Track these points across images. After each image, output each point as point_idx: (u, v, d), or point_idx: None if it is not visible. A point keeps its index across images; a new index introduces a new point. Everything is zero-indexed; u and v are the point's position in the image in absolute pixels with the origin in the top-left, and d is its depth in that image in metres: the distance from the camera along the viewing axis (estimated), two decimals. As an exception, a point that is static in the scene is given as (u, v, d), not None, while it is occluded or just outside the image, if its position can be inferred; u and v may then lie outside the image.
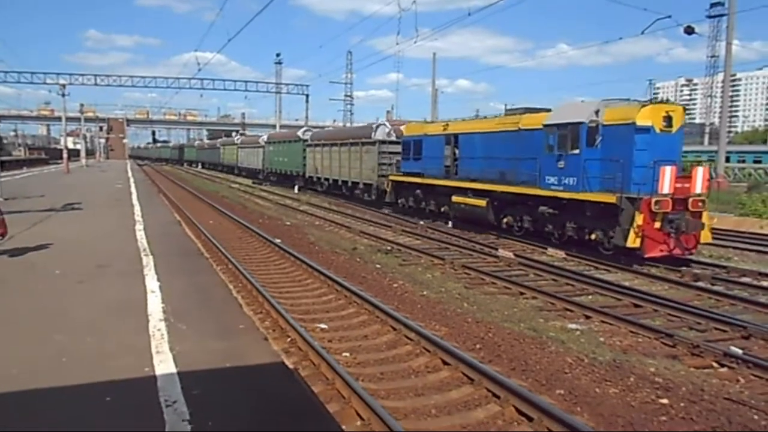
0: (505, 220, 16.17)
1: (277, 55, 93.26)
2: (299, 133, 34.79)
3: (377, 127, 25.79)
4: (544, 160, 14.09)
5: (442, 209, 19.22)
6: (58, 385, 4.29)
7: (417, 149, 20.53)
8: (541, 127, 14.32)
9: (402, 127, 23.80)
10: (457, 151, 18.54)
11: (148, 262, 9.10)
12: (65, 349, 5.08)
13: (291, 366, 5.70)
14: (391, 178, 22.40)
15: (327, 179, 29.75)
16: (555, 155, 13.79)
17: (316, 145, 31.14)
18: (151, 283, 7.68)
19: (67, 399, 4.12)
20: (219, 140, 64.81)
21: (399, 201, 22.00)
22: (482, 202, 16.56)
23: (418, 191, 20.65)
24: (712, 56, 70.26)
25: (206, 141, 78.03)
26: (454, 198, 17.87)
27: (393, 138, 24.61)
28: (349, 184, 26.98)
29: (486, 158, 16.72)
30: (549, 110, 14.97)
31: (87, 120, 75.36)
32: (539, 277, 11.16)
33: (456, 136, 18.65)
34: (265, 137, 43.25)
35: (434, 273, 11.39)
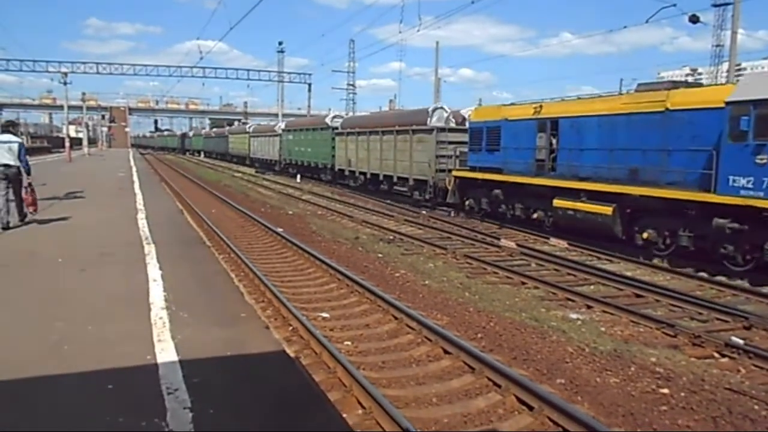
0: (644, 234, 12.03)
1: (280, 43, 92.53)
2: (327, 119, 30.73)
3: (434, 111, 21.07)
4: (727, 152, 10.21)
5: (535, 215, 15.29)
6: (59, 373, 4.30)
7: (493, 138, 16.59)
8: (716, 106, 10.46)
9: (467, 112, 20.65)
10: (554, 141, 14.80)
11: (150, 250, 9.10)
12: (67, 336, 5.09)
13: (292, 354, 5.71)
14: (455, 174, 18.31)
15: (363, 173, 25.60)
16: (751, 146, 9.80)
17: (349, 134, 26.56)
18: (153, 271, 7.68)
19: (69, 387, 4.13)
20: (227, 128, 62.15)
21: (466, 202, 18.08)
22: (606, 209, 12.57)
23: (496, 191, 16.43)
24: (716, 45, 69.68)
25: (213, 129, 74.72)
26: (557, 202, 13.96)
27: (452, 125, 20.61)
28: (394, 179, 22.84)
29: (606, 150, 12.97)
30: (717, 85, 11.88)
31: (89, 109, 75.25)
32: (541, 267, 11.16)
33: (555, 120, 14.68)
34: (282, 124, 39.68)
35: (436, 262, 11.39)
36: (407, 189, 22.02)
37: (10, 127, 12.47)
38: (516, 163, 15.75)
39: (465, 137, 18.71)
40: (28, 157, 11.75)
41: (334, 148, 29.02)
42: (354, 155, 26.40)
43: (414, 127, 21.18)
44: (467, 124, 19.42)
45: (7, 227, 10.71)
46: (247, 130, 48.56)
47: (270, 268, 10.20)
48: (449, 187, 18.49)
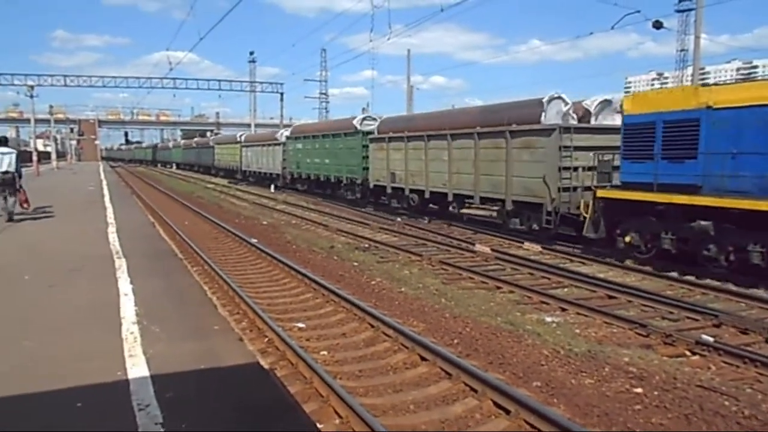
0: None
1: (251, 53, 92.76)
2: (355, 122, 24.28)
3: (550, 101, 14.44)
4: None
5: None
6: (26, 392, 4.19)
7: (678, 138, 10.73)
8: None
9: (594, 102, 14.97)
10: None
11: (120, 264, 8.95)
12: (34, 355, 4.97)
13: (267, 366, 5.65)
14: (602, 194, 12.24)
15: (416, 190, 19.28)
16: None
17: (392, 139, 20.34)
18: (124, 285, 7.55)
19: (36, 406, 4.02)
20: (212, 137, 56.69)
21: (622, 237, 11.85)
22: None
23: (698, 223, 10.22)
24: (681, 50, 71.57)
25: (195, 139, 67.56)
26: None
27: (573, 122, 14.38)
28: (476, 199, 16.36)
29: None
30: None
31: (57, 122, 73.90)
32: (516, 271, 11.24)
33: None
34: (286, 131, 33.23)
35: (412, 269, 11.40)
36: (500, 214, 15.93)
37: (4, 142, 14.58)
38: (737, 178, 9.76)
39: (600, 140, 13.57)
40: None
41: (366, 158, 22.73)
42: (401, 167, 19.95)
43: (514, 128, 14.59)
44: (612, 119, 14.45)
45: (11, 219, 13.63)
46: (238, 139, 42.57)
47: (244, 280, 10.10)
48: (585, 214, 12.55)
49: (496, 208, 16.27)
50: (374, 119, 23.79)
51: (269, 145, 35.03)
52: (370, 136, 22.53)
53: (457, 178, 17.07)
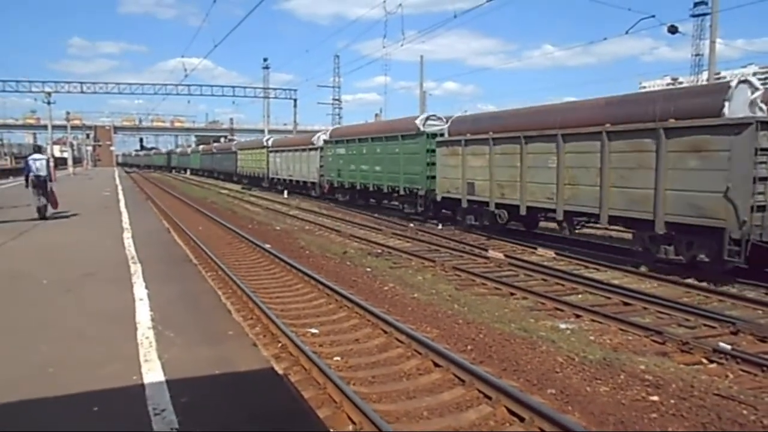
0: None
1: (265, 59, 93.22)
2: (417, 122, 20.39)
3: (739, 85, 10.67)
4: None
5: None
6: (43, 396, 4.23)
7: None
8: None
9: None
10: None
11: (136, 269, 9.02)
12: (51, 359, 5.02)
13: (281, 372, 5.66)
14: None
15: (506, 205, 15.60)
16: None
17: (469, 143, 16.90)
18: (139, 290, 7.61)
19: (53, 410, 4.06)
20: (234, 142, 52.72)
21: None
22: None
23: None
24: (696, 55, 71.01)
25: (215, 144, 64.04)
26: None
27: (762, 113, 10.59)
28: (603, 219, 12.53)
29: None
30: None
31: (73, 128, 74.92)
32: (529, 278, 11.18)
33: None
34: (324, 135, 29.10)
35: (425, 275, 11.38)
36: (640, 239, 11.95)
37: (38, 149, 18.64)
38: None
39: None
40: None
41: (431, 164, 19.16)
42: (484, 176, 16.30)
43: (673, 124, 10.84)
44: None
45: (44, 217, 15.59)
46: (265, 143, 38.67)
47: (258, 285, 10.14)
48: None
49: (632, 230, 12.51)
50: (440, 119, 20.20)
51: (303, 149, 31.03)
52: (438, 139, 18.75)
53: (572, 191, 13.29)
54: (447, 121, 19.12)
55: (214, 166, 56.31)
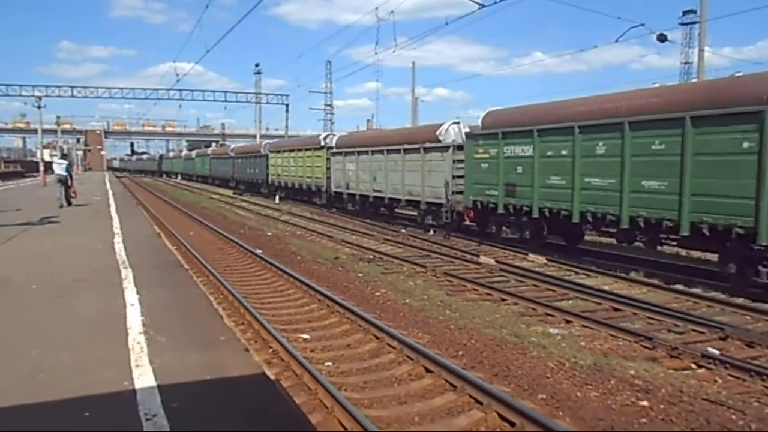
0: None
1: (256, 65, 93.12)
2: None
3: None
4: None
5: None
6: (33, 402, 4.21)
7: None
8: None
9: None
10: None
11: (127, 275, 8.99)
12: (41, 364, 4.99)
13: (273, 377, 5.66)
14: None
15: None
16: None
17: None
18: (130, 296, 7.59)
19: (43, 416, 4.05)
20: (266, 143, 38.76)
21: None
22: None
23: None
24: (685, 63, 71.40)
25: (232, 148, 49.05)
26: None
27: None
28: None
29: None
30: None
31: (64, 132, 74.51)
32: (520, 283, 11.23)
33: None
34: (461, 127, 18.52)
35: (416, 281, 11.40)
36: None
37: (62, 155, 26.22)
38: None
39: None
40: (70, 171, 21.81)
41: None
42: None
43: None
44: None
45: (68, 204, 20.88)
46: (323, 142, 27.47)
47: (249, 290, 10.12)
48: None
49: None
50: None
51: (416, 150, 19.00)
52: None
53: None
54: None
55: (231, 174, 44.88)
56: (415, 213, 20.41)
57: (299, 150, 30.39)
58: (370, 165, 22.29)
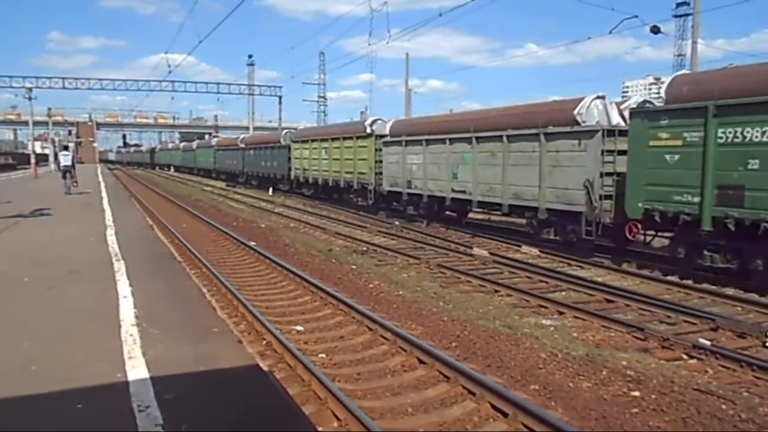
0: None
1: (249, 56, 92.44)
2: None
3: None
4: None
5: None
6: (26, 394, 4.20)
7: None
8: None
9: None
10: None
11: (119, 267, 8.96)
12: (34, 357, 4.97)
13: (266, 368, 5.66)
14: None
15: None
16: None
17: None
18: (123, 288, 7.56)
19: (36, 407, 4.03)
20: (287, 131, 34.39)
21: None
22: None
23: None
24: (678, 55, 71.70)
25: (243, 137, 43.07)
26: None
27: None
28: None
29: None
30: None
31: (55, 124, 73.91)
32: (514, 275, 11.26)
33: None
34: (582, 109, 13.21)
35: (410, 273, 11.42)
36: None
37: (65, 147, 29.48)
38: None
39: None
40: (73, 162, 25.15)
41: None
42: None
43: None
44: None
45: (68, 192, 23.21)
46: (369, 129, 22.58)
47: (243, 282, 10.11)
48: None
49: None
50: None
51: (531, 137, 14.31)
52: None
53: None
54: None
55: (241, 168, 40.26)
56: (502, 219, 17.12)
57: (335, 139, 25.13)
58: (447, 158, 17.45)
